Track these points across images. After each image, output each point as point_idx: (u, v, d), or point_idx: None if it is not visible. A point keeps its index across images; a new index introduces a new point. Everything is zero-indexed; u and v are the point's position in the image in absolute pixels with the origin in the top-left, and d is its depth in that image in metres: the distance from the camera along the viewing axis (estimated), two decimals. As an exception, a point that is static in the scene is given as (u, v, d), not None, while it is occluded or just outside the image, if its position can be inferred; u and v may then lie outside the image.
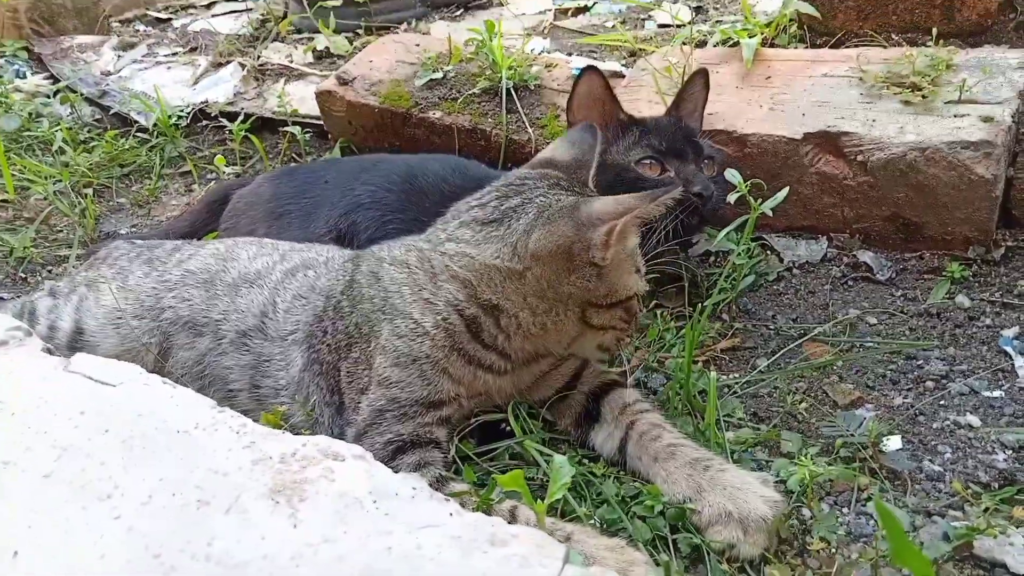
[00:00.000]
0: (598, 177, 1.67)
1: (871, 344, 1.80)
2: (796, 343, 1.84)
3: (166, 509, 0.91)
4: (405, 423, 1.49)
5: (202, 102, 3.31)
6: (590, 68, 2.01)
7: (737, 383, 1.72)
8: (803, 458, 1.45)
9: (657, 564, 1.28)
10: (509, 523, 1.31)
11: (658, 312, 1.95)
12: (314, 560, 0.84)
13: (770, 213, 1.70)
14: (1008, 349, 1.70)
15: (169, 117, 3.20)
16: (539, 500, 1.18)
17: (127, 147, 3.22)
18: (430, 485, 1.39)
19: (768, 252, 2.15)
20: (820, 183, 2.03)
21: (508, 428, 1.60)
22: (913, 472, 1.44)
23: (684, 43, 2.21)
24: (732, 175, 1.73)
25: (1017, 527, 1.26)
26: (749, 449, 1.55)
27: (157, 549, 0.86)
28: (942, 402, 1.61)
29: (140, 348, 1.78)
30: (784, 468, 1.47)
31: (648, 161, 1.94)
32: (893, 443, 1.51)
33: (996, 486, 1.39)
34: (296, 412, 1.66)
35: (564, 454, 1.56)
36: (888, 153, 1.90)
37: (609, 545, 1.27)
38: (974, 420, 1.55)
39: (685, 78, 2.18)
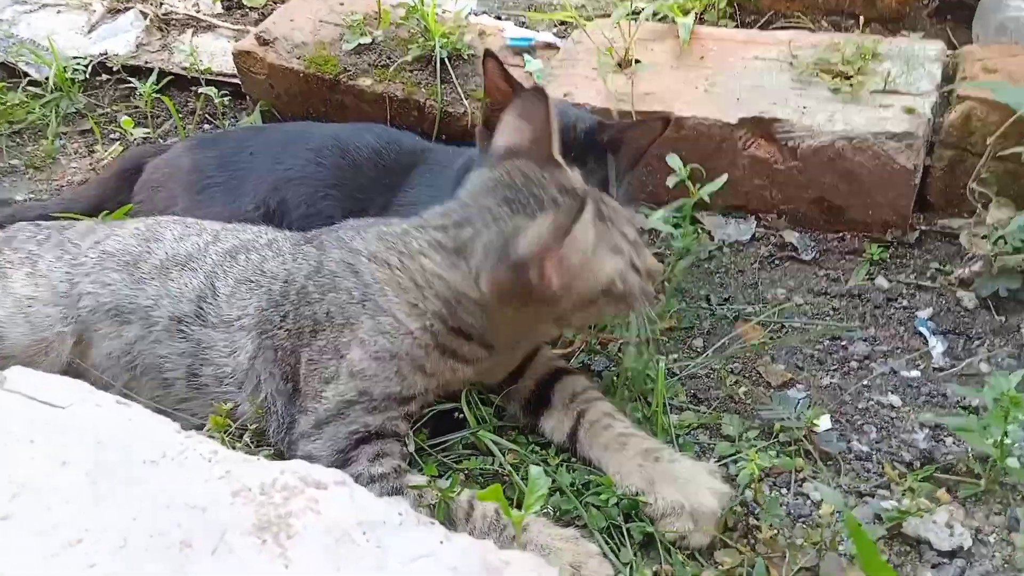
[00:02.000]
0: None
1: (799, 325, 1.89)
2: (730, 323, 1.92)
3: (147, 553, 0.87)
4: (374, 415, 1.48)
5: (101, 54, 3.06)
6: (487, 54, 1.86)
7: (677, 365, 1.79)
8: (745, 445, 1.53)
9: (606, 555, 1.34)
10: (467, 514, 1.35)
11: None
12: (313, 602, 0.83)
13: (707, 199, 1.75)
14: (923, 330, 1.83)
15: (65, 70, 2.95)
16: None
17: (17, 102, 2.95)
18: (391, 474, 1.42)
19: (699, 230, 2.21)
20: (751, 166, 2.09)
21: (461, 416, 1.61)
22: (843, 453, 1.55)
23: (623, 19, 2.20)
24: (673, 160, 1.77)
25: (938, 506, 1.38)
26: (692, 431, 1.62)
27: (144, 599, 0.83)
28: (865, 382, 1.72)
29: (53, 338, 1.68)
30: (726, 450, 1.55)
31: None
32: (823, 423, 1.60)
33: (918, 464, 1.52)
34: (243, 403, 1.62)
35: (515, 440, 1.60)
36: (818, 141, 1.97)
37: (564, 536, 1.32)
38: (895, 400, 1.67)
39: (626, 56, 2.18)
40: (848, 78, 2.04)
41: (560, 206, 1.40)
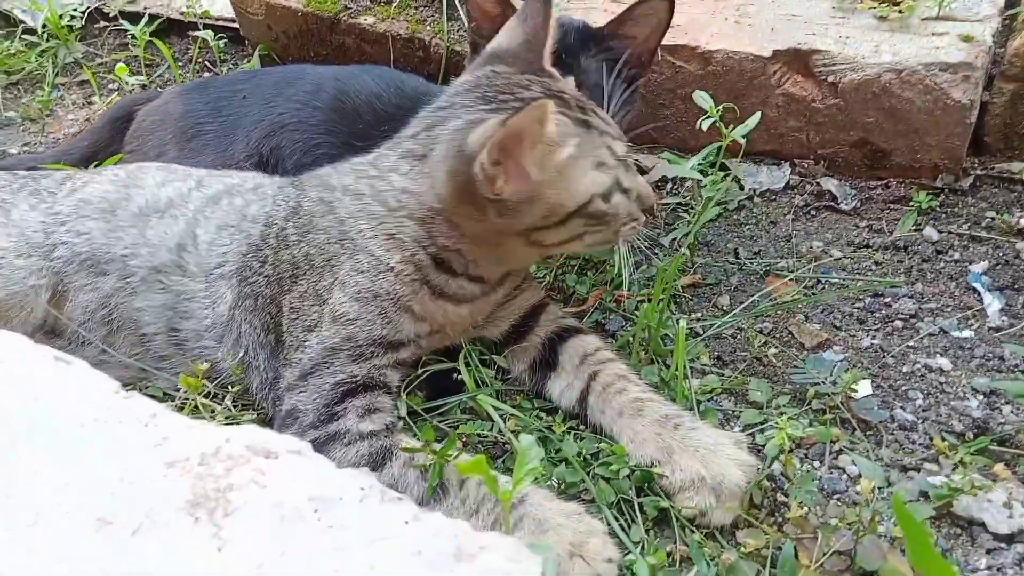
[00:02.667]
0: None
1: (837, 280, 1.71)
2: (760, 278, 1.74)
3: (57, 531, 0.74)
4: (360, 363, 1.36)
5: (98, 0, 2.92)
6: None
7: (700, 324, 1.62)
8: (774, 412, 1.37)
9: (615, 533, 1.20)
10: (461, 481, 1.22)
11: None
12: (246, 594, 0.70)
13: (742, 141, 1.57)
14: (977, 286, 1.63)
15: (61, 17, 2.82)
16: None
17: (12, 51, 2.84)
18: (381, 432, 1.29)
19: (727, 178, 2.03)
20: (786, 105, 1.90)
21: (459, 378, 1.47)
22: (885, 422, 1.38)
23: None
24: (702, 98, 1.58)
25: (995, 483, 1.21)
26: (715, 397, 1.46)
27: (48, 587, 0.70)
28: (911, 343, 1.54)
29: (27, 291, 1.57)
30: (752, 418, 1.39)
31: None
32: (863, 389, 1.43)
33: (970, 435, 1.34)
34: (224, 359, 1.50)
35: (518, 404, 1.46)
36: (861, 74, 1.77)
37: (566, 511, 1.18)
38: (945, 363, 1.49)
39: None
40: (896, 3, 1.83)
41: None
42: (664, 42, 1.92)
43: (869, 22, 1.84)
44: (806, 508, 1.17)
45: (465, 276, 1.38)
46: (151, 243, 1.56)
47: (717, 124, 1.58)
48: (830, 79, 1.81)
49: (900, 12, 1.81)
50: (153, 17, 2.77)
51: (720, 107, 1.55)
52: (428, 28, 2.21)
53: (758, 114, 1.60)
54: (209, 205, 1.60)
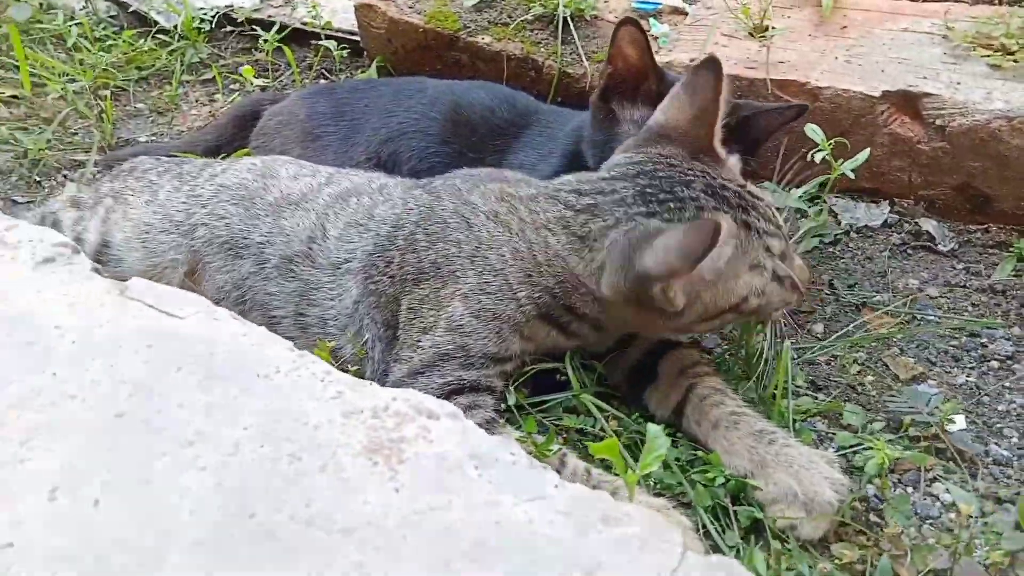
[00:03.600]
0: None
1: (932, 318, 1.75)
2: (855, 310, 1.79)
3: (256, 463, 0.85)
4: (469, 371, 1.44)
5: (227, 6, 3.13)
6: (625, 20, 1.75)
7: (795, 348, 1.67)
8: (871, 436, 1.41)
9: (709, 535, 1.26)
10: (558, 470, 1.28)
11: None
12: (421, 529, 0.79)
13: (852, 175, 1.62)
14: (1076, 334, 1.65)
15: (192, 20, 3.03)
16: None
17: (146, 49, 3.05)
18: (481, 426, 1.36)
19: (824, 213, 2.07)
20: (891, 144, 1.94)
21: (563, 378, 1.55)
22: (979, 455, 1.41)
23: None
24: (814, 131, 1.65)
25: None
26: (809, 419, 1.51)
27: (251, 508, 0.80)
28: (1006, 383, 1.57)
29: (167, 264, 1.71)
30: (847, 441, 1.44)
31: None
32: (958, 422, 1.47)
33: (1067, 476, 1.37)
34: (345, 345, 1.60)
35: (616, 410, 1.53)
36: (971, 120, 1.81)
37: (656, 504, 1.23)
38: (1042, 405, 1.51)
39: (762, 21, 2.06)
40: (1012, 53, 1.86)
41: (698, 218, 1.30)
42: (773, 76, 2.00)
43: (981, 69, 1.88)
44: (901, 528, 1.21)
45: (589, 324, 1.44)
46: (285, 233, 1.68)
47: (827, 158, 1.64)
48: (938, 122, 1.85)
49: (1015, 62, 1.85)
50: (279, 26, 2.96)
51: (832, 141, 1.61)
52: (542, 50, 2.32)
53: (867, 150, 1.66)
54: (339, 202, 1.71)
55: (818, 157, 1.60)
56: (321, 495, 0.81)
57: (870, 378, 1.59)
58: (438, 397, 1.35)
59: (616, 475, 1.28)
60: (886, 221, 2.01)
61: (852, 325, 1.73)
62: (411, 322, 1.50)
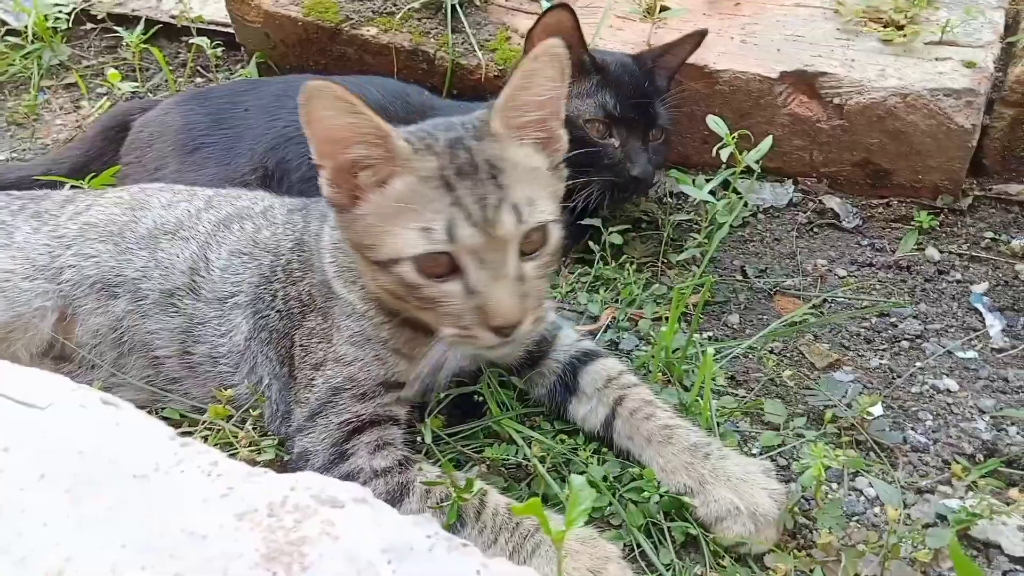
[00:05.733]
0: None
1: (842, 300, 1.75)
2: (767, 296, 1.78)
3: (137, 591, 0.74)
4: (364, 403, 1.36)
5: (84, 1, 2.86)
6: (561, 4, 1.80)
7: (712, 342, 1.65)
8: (790, 433, 1.41)
9: (644, 556, 1.23)
10: (478, 512, 1.22)
11: (625, 263, 1.84)
12: (332, 653, 0.71)
13: (756, 168, 1.60)
14: (979, 306, 1.69)
15: (46, 18, 2.75)
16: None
17: (-5, 54, 2.77)
18: (395, 468, 1.30)
19: (740, 200, 2.06)
20: (791, 125, 1.93)
21: (481, 400, 1.48)
22: (898, 444, 1.42)
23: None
24: (716, 123, 1.61)
25: (1009, 506, 1.26)
26: (732, 419, 1.49)
27: (134, 651, 0.70)
28: (918, 364, 1.59)
29: (33, 314, 1.54)
30: (771, 440, 1.43)
31: (596, 123, 1.82)
32: (875, 410, 1.48)
33: (981, 457, 1.39)
34: (239, 383, 1.49)
35: (538, 426, 1.48)
36: (867, 97, 1.81)
37: (581, 537, 1.19)
38: (951, 384, 1.54)
39: (655, 2, 2.01)
40: (900, 28, 1.87)
41: None
42: (671, 59, 1.95)
43: (874, 45, 1.88)
44: (833, 536, 1.21)
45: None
46: (163, 265, 1.55)
47: (729, 149, 1.60)
48: (836, 101, 1.85)
49: (904, 36, 1.85)
50: (145, 21, 2.72)
51: (735, 134, 1.57)
52: (432, 40, 2.20)
53: (769, 139, 1.63)
54: (221, 229, 1.58)
55: (724, 153, 1.55)
56: (216, 623, 0.72)
57: (788, 372, 1.58)
58: (339, 439, 1.32)
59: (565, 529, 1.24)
60: (791, 200, 2.01)
61: (766, 315, 1.72)
62: (304, 360, 1.41)
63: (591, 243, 1.84)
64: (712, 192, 1.79)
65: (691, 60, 1.93)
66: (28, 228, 1.62)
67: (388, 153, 1.19)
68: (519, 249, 1.19)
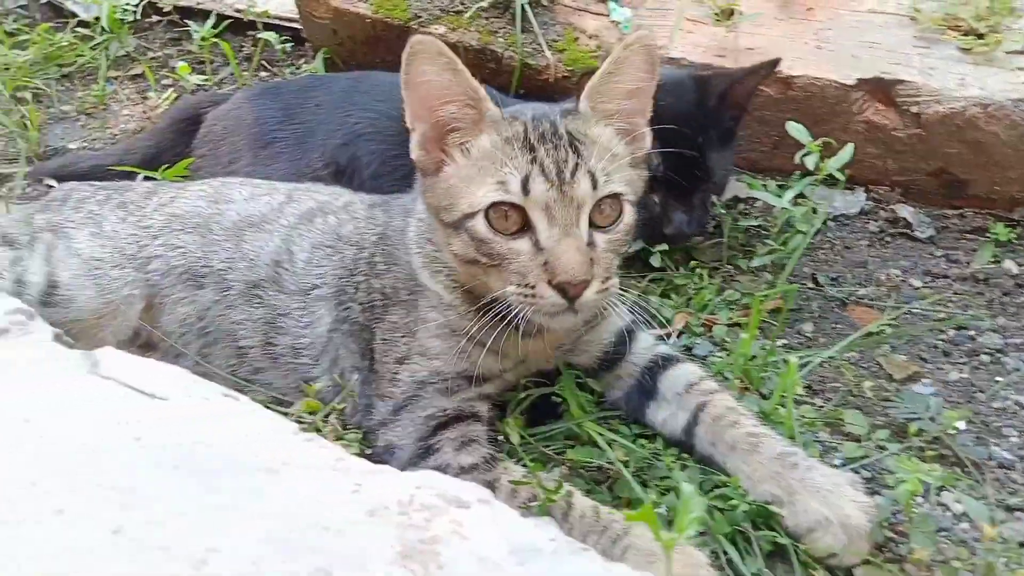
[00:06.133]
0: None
1: (919, 310, 1.74)
2: (840, 305, 1.77)
3: (280, 585, 0.76)
4: (449, 397, 1.38)
5: (150, -6, 2.90)
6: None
7: (787, 350, 1.65)
8: (872, 446, 1.40)
9: (731, 564, 1.23)
10: (565, 513, 1.23)
11: (695, 268, 1.84)
12: (475, 651, 0.72)
13: (841, 176, 1.59)
14: (1059, 322, 1.67)
15: (115, 10, 2.79)
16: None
17: (65, 44, 2.81)
18: (481, 465, 1.31)
19: (815, 210, 2.03)
20: (865, 132, 1.92)
21: (559, 401, 1.50)
22: (984, 460, 1.41)
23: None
24: (798, 131, 1.60)
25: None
26: (812, 430, 1.49)
27: (285, 642, 0.72)
28: (999, 378, 1.57)
29: (121, 301, 1.59)
30: (853, 452, 1.42)
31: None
32: (959, 424, 1.47)
33: (1068, 475, 1.38)
34: (321, 376, 1.52)
35: (615, 429, 1.48)
36: (947, 107, 1.79)
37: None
38: (1035, 400, 1.53)
39: (727, 5, 2.00)
40: (981, 36, 1.85)
41: None
42: (743, 63, 1.95)
43: (953, 53, 1.86)
44: (928, 552, 1.20)
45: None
46: (248, 257, 1.58)
47: (809, 156, 1.59)
48: (913, 109, 1.83)
49: (985, 45, 1.83)
50: (207, 12, 2.76)
51: (819, 141, 1.57)
52: (500, 40, 2.21)
53: (850, 147, 1.62)
54: (304, 222, 1.61)
55: (809, 161, 1.55)
56: (359, 618, 0.74)
57: (869, 383, 1.57)
58: (424, 434, 1.34)
59: (621, 513, 1.25)
60: (863, 209, 2.00)
61: (841, 323, 1.72)
62: (386, 353, 1.43)
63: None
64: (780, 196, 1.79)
65: (766, 64, 1.92)
66: (115, 218, 1.66)
67: (479, 115, 1.27)
68: (591, 218, 1.23)
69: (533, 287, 1.20)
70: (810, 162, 1.54)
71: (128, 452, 0.90)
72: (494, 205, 1.21)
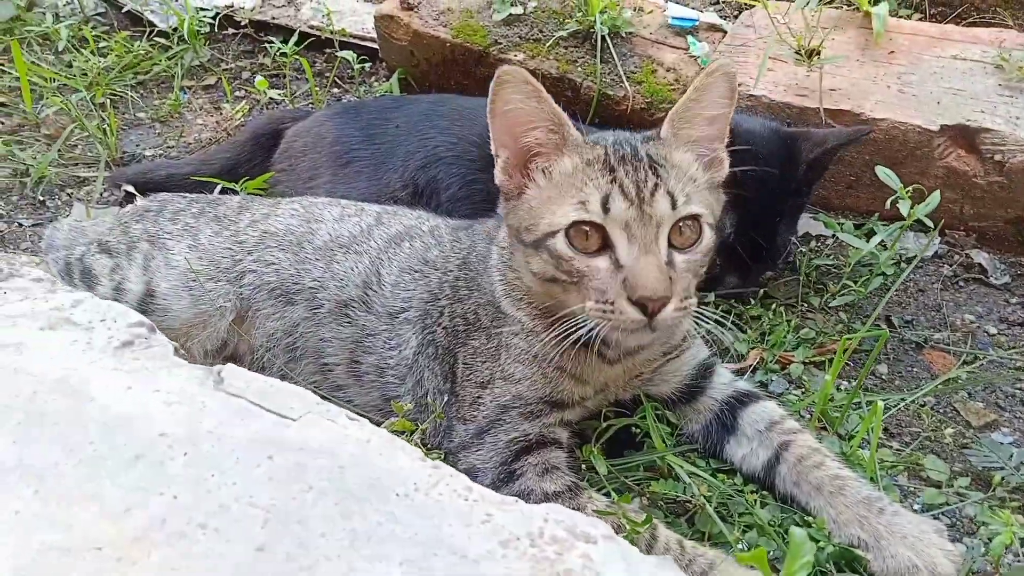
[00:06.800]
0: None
1: (994, 357, 1.74)
2: (915, 348, 1.78)
3: (425, 612, 0.79)
4: (532, 422, 1.41)
5: (227, 6, 2.98)
6: None
7: (862, 394, 1.65)
8: (951, 493, 1.41)
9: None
10: (649, 545, 1.26)
11: (766, 304, 1.86)
12: None
13: (928, 223, 1.60)
14: None
15: (192, 22, 2.87)
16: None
17: (142, 52, 2.89)
18: (565, 493, 1.33)
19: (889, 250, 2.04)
20: (945, 177, 1.93)
21: (638, 431, 1.52)
22: (1067, 512, 1.41)
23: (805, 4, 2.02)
24: (888, 176, 1.62)
25: None
26: (891, 473, 1.50)
27: (435, 668, 0.75)
28: (1079, 430, 1.58)
29: (214, 312, 1.63)
30: (933, 499, 1.43)
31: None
32: (1041, 477, 1.47)
33: None
34: (404, 395, 1.55)
35: (693, 463, 1.50)
36: (1032, 157, 1.80)
37: None
38: (1117, 454, 1.52)
39: (810, 45, 2.02)
40: (1068, 88, 1.86)
41: None
42: (827, 105, 1.96)
43: (1039, 104, 1.87)
44: (1020, 603, 1.21)
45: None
46: (338, 277, 1.62)
47: (900, 201, 1.61)
48: (996, 157, 1.84)
49: (1073, 96, 1.84)
50: (284, 29, 2.82)
51: (910, 188, 1.58)
52: (579, 69, 2.25)
53: (936, 194, 1.64)
54: (392, 245, 1.65)
55: (903, 207, 1.56)
56: (504, 649, 0.76)
57: (948, 429, 1.57)
58: (507, 459, 1.37)
59: (704, 547, 1.28)
60: (936, 252, 2.00)
61: (913, 364, 1.72)
62: (468, 378, 1.46)
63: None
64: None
65: (846, 106, 1.94)
66: (210, 231, 1.71)
67: (561, 140, 1.31)
68: (669, 239, 1.25)
69: (612, 303, 1.23)
70: (903, 208, 1.55)
71: (264, 469, 0.94)
72: (575, 224, 1.25)
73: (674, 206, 1.24)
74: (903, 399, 1.61)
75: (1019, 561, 1.34)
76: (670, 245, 1.26)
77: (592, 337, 1.25)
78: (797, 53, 2.08)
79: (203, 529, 0.86)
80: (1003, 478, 1.43)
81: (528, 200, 1.32)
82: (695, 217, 1.27)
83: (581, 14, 2.27)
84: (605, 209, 1.23)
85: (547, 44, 2.28)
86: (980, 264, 1.95)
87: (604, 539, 0.89)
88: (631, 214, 1.22)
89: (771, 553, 1.33)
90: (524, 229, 1.32)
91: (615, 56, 2.23)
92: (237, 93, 2.80)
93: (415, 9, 2.43)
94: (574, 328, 1.26)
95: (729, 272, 1.82)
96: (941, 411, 1.64)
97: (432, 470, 0.94)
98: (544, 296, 1.36)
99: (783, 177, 1.69)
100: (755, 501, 1.41)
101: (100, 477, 0.92)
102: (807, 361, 1.72)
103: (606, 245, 1.24)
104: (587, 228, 1.24)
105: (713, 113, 1.33)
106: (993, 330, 1.82)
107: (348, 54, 2.58)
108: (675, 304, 1.22)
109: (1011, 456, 1.48)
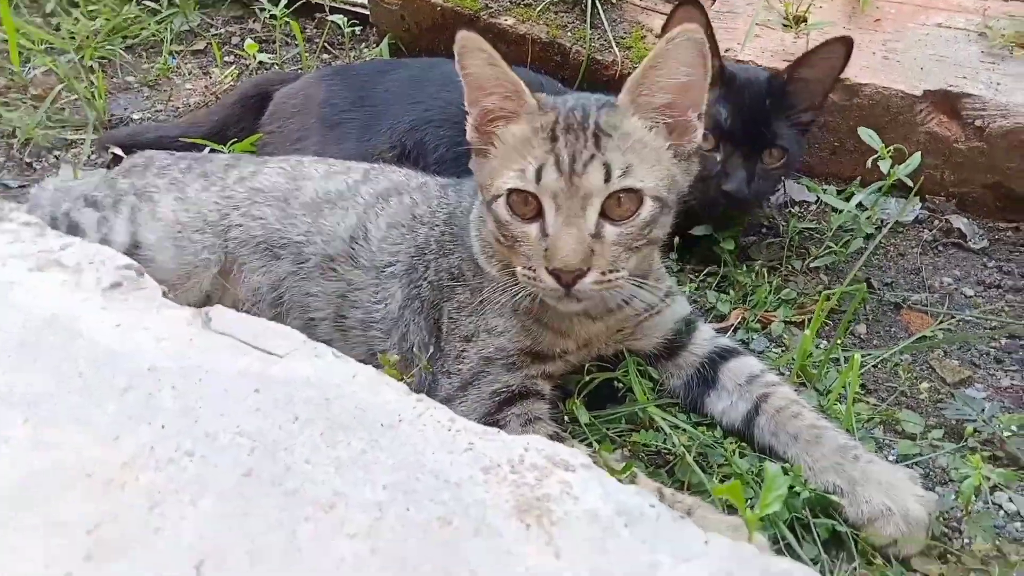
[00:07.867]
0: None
1: (971, 318, 1.78)
2: (894, 309, 1.81)
3: (407, 528, 0.82)
4: (513, 373, 1.44)
5: (217, -29, 2.96)
6: (691, 2, 1.75)
7: (842, 351, 1.69)
8: (926, 444, 1.45)
9: (790, 549, 1.28)
10: None
11: (749, 266, 1.89)
12: (592, 600, 0.77)
13: (908, 182, 1.63)
14: (1112, 337, 1.71)
15: (182, -15, 2.86)
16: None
17: (132, 16, 2.88)
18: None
19: (867, 213, 2.07)
20: (926, 143, 1.95)
21: (620, 385, 1.54)
22: (1036, 463, 1.45)
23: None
24: (870, 137, 1.64)
25: None
26: (867, 426, 1.53)
27: (417, 580, 0.77)
28: (1051, 388, 1.62)
29: (199, 263, 1.64)
30: (908, 450, 1.47)
31: (706, 132, 1.75)
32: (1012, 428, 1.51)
33: (1118, 481, 1.42)
34: (390, 350, 1.57)
35: (676, 418, 1.53)
36: (1012, 122, 1.83)
37: (732, 524, 1.24)
38: (1087, 409, 1.56)
39: (797, 12, 2.04)
40: (1049, 54, 1.88)
41: None
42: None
43: (1022, 71, 1.89)
44: (988, 545, 1.25)
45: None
46: (324, 232, 1.63)
47: (881, 160, 1.63)
48: (977, 123, 1.87)
49: (1053, 63, 1.87)
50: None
51: (891, 148, 1.61)
52: (568, 34, 2.26)
53: (917, 155, 1.66)
54: (380, 201, 1.66)
55: (883, 165, 1.59)
56: (483, 562, 0.79)
57: (923, 385, 1.61)
58: (490, 410, 1.40)
59: (684, 494, 1.31)
60: (917, 217, 2.03)
61: (892, 324, 1.75)
62: (453, 331, 1.48)
63: (716, 249, 1.89)
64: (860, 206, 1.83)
65: (830, 72, 1.96)
66: (198, 186, 1.72)
67: (517, 106, 1.33)
68: (602, 208, 1.26)
69: (535, 270, 1.27)
70: (883, 167, 1.58)
71: (251, 401, 0.96)
72: (513, 191, 1.29)
73: (608, 178, 1.24)
74: (880, 356, 1.64)
75: (987, 508, 1.38)
76: (605, 216, 1.26)
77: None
78: (784, 19, 2.10)
79: (190, 456, 0.89)
80: (975, 429, 1.47)
81: (490, 160, 1.36)
82: (634, 190, 1.26)
83: (571, -21, 2.28)
84: (538, 178, 1.26)
85: (537, 9, 2.28)
86: (959, 229, 1.98)
87: (583, 467, 0.91)
88: (559, 185, 1.25)
89: (749, 501, 1.36)
90: (483, 187, 1.37)
91: (605, 21, 2.24)
92: (226, 58, 2.79)
93: (405, -27, 2.42)
94: (519, 289, 1.32)
95: (736, 167, 1.78)
96: (918, 369, 1.67)
97: (416, 403, 0.97)
98: (500, 253, 1.41)
99: (768, 84, 1.77)
100: (734, 451, 1.44)
101: (90, 406, 0.94)
102: (788, 320, 1.75)
103: (539, 214, 1.28)
104: (525, 195, 1.28)
105: (676, 81, 1.29)
106: (970, 292, 1.85)
107: (339, 19, 2.58)
108: (594, 276, 1.25)
109: (983, 409, 1.52)
